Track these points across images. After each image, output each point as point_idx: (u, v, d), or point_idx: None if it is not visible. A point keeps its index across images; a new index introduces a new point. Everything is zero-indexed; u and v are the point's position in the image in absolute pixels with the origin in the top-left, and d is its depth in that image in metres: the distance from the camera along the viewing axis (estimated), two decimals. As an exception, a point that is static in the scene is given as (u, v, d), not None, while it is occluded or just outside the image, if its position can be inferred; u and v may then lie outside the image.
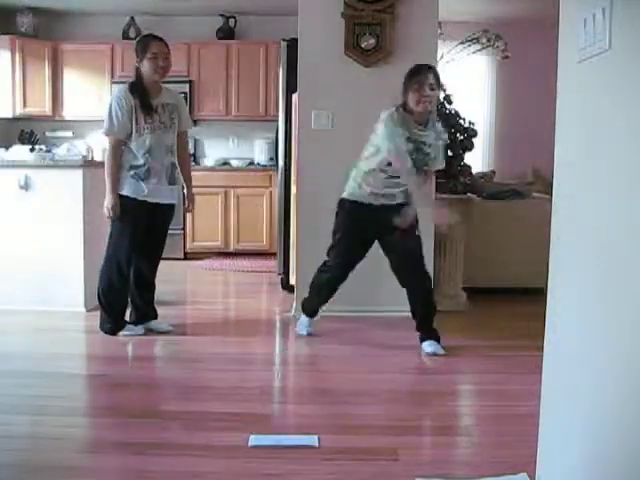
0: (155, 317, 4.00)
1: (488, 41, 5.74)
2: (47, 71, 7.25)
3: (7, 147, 4.99)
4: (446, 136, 3.67)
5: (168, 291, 4.79)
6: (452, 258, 4.65)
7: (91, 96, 7.14)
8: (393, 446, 2.38)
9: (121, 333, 3.82)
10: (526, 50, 6.46)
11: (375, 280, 3.76)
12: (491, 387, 3.14)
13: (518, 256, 4.94)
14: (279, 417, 2.83)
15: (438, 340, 3.67)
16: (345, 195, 3.63)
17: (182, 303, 5.04)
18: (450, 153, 5.05)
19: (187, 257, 7.05)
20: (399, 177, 3.50)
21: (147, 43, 3.71)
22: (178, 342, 3.85)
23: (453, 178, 4.95)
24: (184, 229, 6.96)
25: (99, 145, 5.94)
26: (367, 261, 3.74)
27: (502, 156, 7.50)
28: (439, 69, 4.43)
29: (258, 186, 7.10)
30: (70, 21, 7.42)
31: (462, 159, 5.12)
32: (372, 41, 4.23)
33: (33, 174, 4.37)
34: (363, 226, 3.62)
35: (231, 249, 7.15)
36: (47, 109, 7.30)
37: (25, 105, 7.20)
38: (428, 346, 3.64)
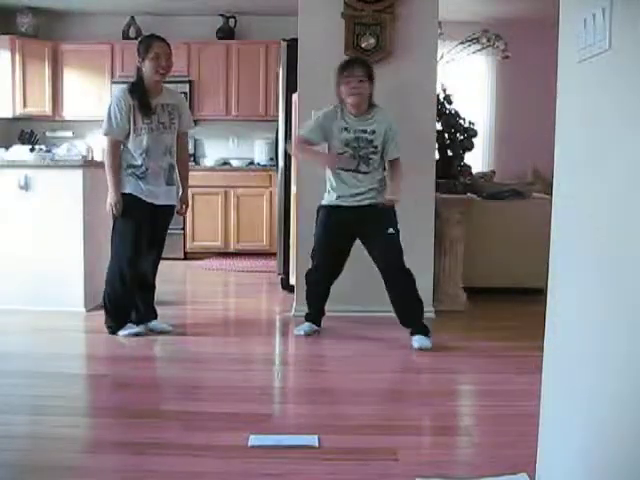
0: (155, 317, 3.99)
1: (488, 41, 5.74)
2: (47, 71, 7.25)
3: (7, 147, 4.98)
4: (395, 126, 3.74)
5: (168, 291, 4.79)
6: (452, 258, 4.65)
7: (91, 96, 7.14)
8: (393, 446, 2.38)
9: (120, 333, 3.81)
10: (526, 50, 6.46)
11: (375, 280, 3.75)
12: (491, 387, 3.14)
13: (518, 256, 4.94)
14: (279, 417, 2.82)
15: (427, 334, 3.70)
16: (322, 202, 3.83)
17: (182, 303, 5.04)
18: (450, 153, 5.06)
19: (187, 257, 7.06)
20: (354, 171, 3.67)
21: (150, 43, 3.71)
22: (178, 342, 3.85)
23: (453, 178, 4.95)
24: (184, 229, 6.96)
25: (99, 145, 5.92)
26: (367, 261, 3.75)
27: (502, 156, 7.50)
28: (439, 69, 4.45)
29: (258, 186, 7.10)
30: (70, 21, 7.42)
31: (462, 159, 5.13)
32: (372, 41, 4.23)
33: (33, 174, 4.37)
34: (338, 230, 3.77)
35: (231, 249, 7.16)
36: (47, 109, 7.31)
37: (25, 105, 7.20)
38: (416, 341, 3.68)
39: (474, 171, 5.54)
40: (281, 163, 5.42)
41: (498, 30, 5.83)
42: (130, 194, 3.70)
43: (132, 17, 7.30)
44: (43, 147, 5.23)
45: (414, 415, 2.81)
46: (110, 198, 3.69)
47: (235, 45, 7.30)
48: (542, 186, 5.64)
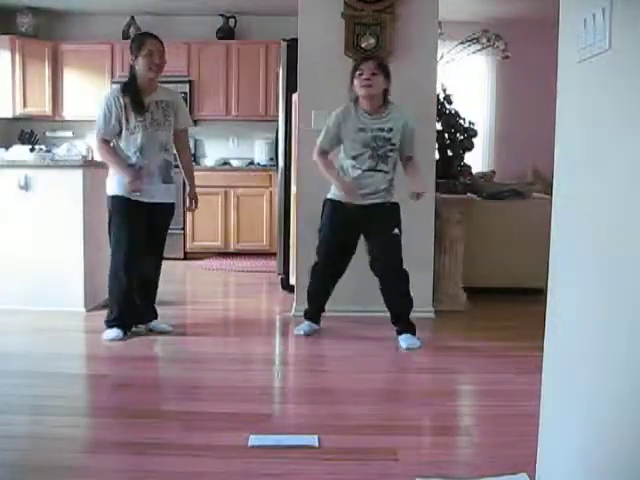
0: (155, 317, 3.99)
1: (488, 41, 5.74)
2: (47, 71, 7.25)
3: (7, 147, 4.98)
4: (412, 122, 3.71)
5: (168, 291, 4.79)
6: (452, 258, 4.65)
7: (91, 96, 7.12)
8: (393, 446, 2.38)
9: (104, 335, 3.77)
10: (526, 50, 6.46)
11: (375, 280, 3.75)
12: (491, 387, 3.14)
13: (518, 256, 4.94)
14: (279, 417, 2.82)
15: (414, 332, 3.73)
16: (329, 195, 3.77)
17: (182, 303, 5.04)
18: (450, 153, 5.06)
19: (187, 257, 7.06)
20: (374, 171, 3.64)
21: (142, 41, 3.71)
22: (178, 342, 3.85)
23: (453, 178, 4.95)
24: (184, 229, 6.96)
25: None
26: (367, 261, 3.74)
27: (502, 156, 7.50)
28: (439, 69, 4.45)
29: (258, 186, 7.10)
30: (70, 21, 7.42)
31: (462, 159, 5.13)
32: (372, 41, 4.23)
33: (33, 174, 4.37)
34: (344, 225, 3.73)
35: (231, 249, 7.16)
36: (47, 109, 7.31)
37: (25, 105, 7.20)
38: (403, 341, 3.70)
39: (474, 171, 5.54)
40: (281, 163, 5.42)
41: (498, 30, 5.83)
42: (121, 196, 3.69)
43: (132, 17, 7.30)
44: (43, 147, 5.23)
45: (414, 415, 2.81)
46: (125, 179, 3.64)
47: (235, 45, 7.30)
48: (542, 186, 5.64)
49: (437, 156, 4.77)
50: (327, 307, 4.03)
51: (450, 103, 5.07)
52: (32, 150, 4.73)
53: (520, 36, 6.33)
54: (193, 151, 7.42)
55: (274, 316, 4.57)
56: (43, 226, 4.36)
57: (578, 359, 1.66)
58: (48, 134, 7.48)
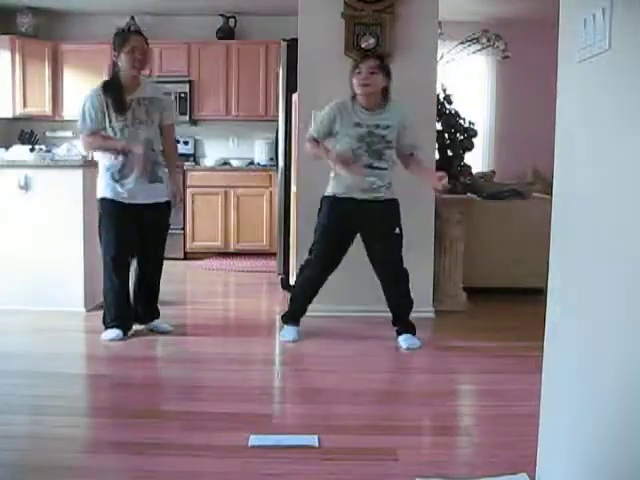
0: (157, 317, 3.99)
1: (488, 41, 5.74)
2: (47, 71, 7.24)
3: (7, 147, 4.98)
4: (410, 119, 3.68)
5: (168, 291, 4.78)
6: (452, 258, 4.65)
7: (91, 96, 7.13)
8: (393, 446, 2.38)
9: (102, 336, 3.78)
10: (526, 50, 6.46)
11: (375, 280, 3.75)
12: (491, 387, 3.14)
13: (518, 256, 4.94)
14: (279, 417, 2.82)
15: (414, 332, 3.74)
16: (326, 192, 3.74)
17: (182, 303, 5.03)
18: (450, 153, 5.06)
19: (187, 257, 7.05)
20: (370, 167, 3.61)
21: (125, 37, 3.68)
22: (178, 342, 3.85)
23: (453, 178, 4.95)
24: (184, 229, 6.96)
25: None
26: (367, 261, 3.74)
27: (502, 156, 7.50)
28: (439, 69, 4.45)
29: (258, 186, 7.09)
30: (70, 21, 7.41)
31: (462, 159, 5.12)
32: (372, 41, 4.23)
33: (33, 174, 4.37)
34: (343, 221, 3.69)
35: (231, 249, 7.15)
36: (47, 109, 7.30)
37: (25, 105, 7.19)
38: (403, 341, 3.70)
39: (474, 171, 5.54)
40: (281, 163, 5.42)
41: (498, 30, 5.83)
42: (108, 198, 3.69)
43: (132, 17, 7.29)
44: (43, 147, 5.23)
45: (414, 415, 2.81)
46: (120, 149, 3.61)
47: (235, 45, 7.29)
48: (542, 186, 5.64)
49: (437, 156, 4.77)
50: (327, 307, 4.03)
51: (450, 103, 5.07)
52: (32, 150, 4.73)
53: (520, 36, 6.33)
54: (193, 151, 7.43)
55: (274, 316, 4.57)
56: (43, 226, 4.36)
57: (578, 359, 1.66)
58: (48, 134, 7.48)
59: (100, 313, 3.91)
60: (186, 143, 7.36)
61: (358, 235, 3.74)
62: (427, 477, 2.13)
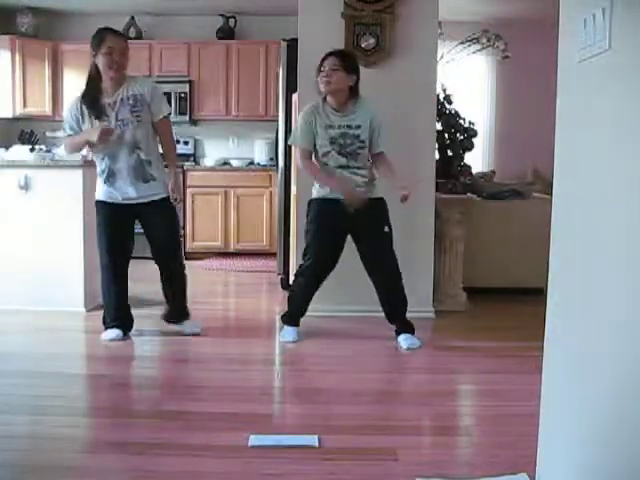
0: (185, 318, 3.92)
1: (488, 41, 5.75)
2: (47, 71, 7.24)
3: (7, 147, 4.98)
4: (379, 117, 3.63)
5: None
6: (452, 258, 4.65)
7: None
8: (393, 446, 2.38)
9: (102, 336, 3.78)
10: (526, 50, 6.46)
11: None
12: (491, 387, 3.14)
13: (518, 256, 4.94)
14: (279, 417, 2.83)
15: (412, 332, 3.74)
16: (313, 195, 3.76)
17: (182, 303, 5.03)
18: (450, 153, 5.06)
19: (187, 257, 7.02)
20: (345, 168, 3.61)
21: (102, 37, 3.57)
22: (178, 342, 3.84)
23: (453, 178, 4.95)
24: (184, 229, 6.95)
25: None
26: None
27: (502, 156, 7.50)
28: (439, 69, 4.45)
29: (258, 186, 7.09)
30: (70, 21, 7.41)
31: (462, 159, 5.13)
32: (372, 41, 4.23)
33: (33, 174, 4.37)
34: (331, 221, 3.68)
35: (231, 249, 7.15)
36: (47, 109, 7.30)
37: (25, 105, 7.19)
38: (403, 341, 3.70)
39: (474, 171, 5.54)
40: (281, 163, 5.42)
41: (498, 30, 5.83)
42: (100, 201, 3.70)
43: (132, 17, 7.30)
44: (43, 147, 5.23)
45: (414, 415, 2.81)
46: (95, 136, 3.47)
47: (235, 45, 7.29)
48: (542, 186, 5.64)
49: (437, 156, 4.77)
50: (327, 307, 4.03)
51: (450, 103, 5.07)
52: (32, 150, 4.73)
53: (520, 36, 6.33)
54: (193, 151, 7.43)
55: (274, 316, 4.56)
56: (43, 226, 4.36)
57: (577, 359, 1.66)
58: (48, 134, 7.47)
59: (100, 313, 3.91)
60: (186, 143, 7.36)
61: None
62: (427, 477, 2.13)
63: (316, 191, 3.73)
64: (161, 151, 3.84)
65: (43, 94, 7.25)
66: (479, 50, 5.88)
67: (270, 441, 2.40)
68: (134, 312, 3.93)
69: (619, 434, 1.46)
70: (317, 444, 2.38)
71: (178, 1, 6.86)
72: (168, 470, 2.19)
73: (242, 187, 7.10)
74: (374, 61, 4.24)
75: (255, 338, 4.01)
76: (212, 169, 7.25)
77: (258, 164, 7.37)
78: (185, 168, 6.89)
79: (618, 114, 1.46)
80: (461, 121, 5.06)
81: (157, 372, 3.49)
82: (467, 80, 6.90)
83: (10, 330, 4.00)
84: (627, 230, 1.41)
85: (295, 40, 4.41)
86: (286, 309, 3.96)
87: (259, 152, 7.42)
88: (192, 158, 7.38)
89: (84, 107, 3.57)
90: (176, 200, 3.76)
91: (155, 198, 3.71)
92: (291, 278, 4.83)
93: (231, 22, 7.36)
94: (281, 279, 5.36)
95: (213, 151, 7.61)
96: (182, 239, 3.97)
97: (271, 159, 7.09)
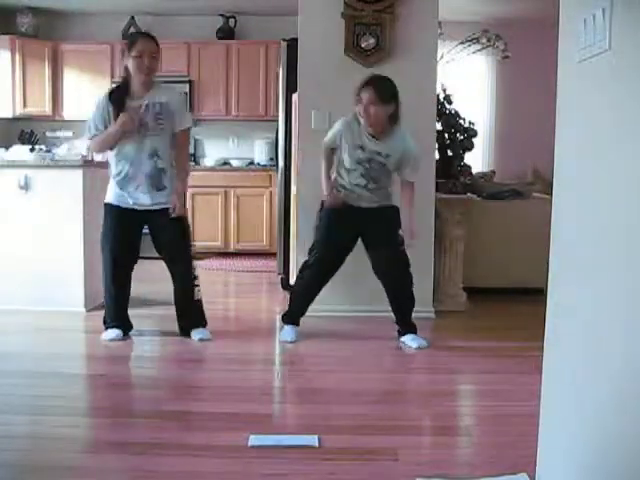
0: (196, 326, 3.83)
1: (488, 41, 5.75)
2: (47, 71, 7.24)
3: (7, 147, 4.98)
4: (413, 149, 3.61)
5: (169, 291, 4.78)
6: (452, 258, 4.65)
7: (91, 96, 7.08)
8: (393, 446, 2.38)
9: (102, 336, 3.77)
10: (526, 50, 6.47)
11: (375, 280, 3.75)
12: (491, 387, 3.14)
13: (518, 256, 4.94)
14: (279, 417, 2.83)
15: (416, 332, 3.77)
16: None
17: (182, 303, 5.02)
18: (450, 153, 5.06)
19: (187, 257, 7.04)
20: (363, 188, 3.62)
21: (134, 40, 3.61)
22: (178, 342, 3.84)
23: (453, 178, 4.95)
24: (184, 229, 6.95)
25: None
26: (366, 261, 3.74)
27: (502, 156, 7.50)
28: (439, 69, 4.45)
29: (258, 186, 7.09)
30: (70, 21, 7.41)
31: (462, 159, 5.13)
32: (372, 41, 4.23)
33: (33, 174, 4.37)
34: (342, 222, 3.69)
35: (231, 249, 7.15)
36: (47, 109, 7.30)
37: (25, 105, 7.19)
38: (412, 341, 3.71)
39: (474, 171, 5.55)
40: (281, 163, 5.42)
41: (498, 30, 5.83)
42: (109, 203, 3.69)
43: (132, 17, 7.30)
44: (43, 147, 5.23)
45: (414, 415, 2.81)
46: (121, 123, 3.51)
47: (235, 45, 7.30)
48: (542, 186, 5.64)
49: (437, 156, 4.77)
50: (328, 307, 4.02)
51: (450, 103, 5.07)
52: (32, 150, 4.73)
53: (520, 36, 6.33)
54: (193, 151, 7.42)
55: (274, 316, 4.56)
56: (43, 226, 4.36)
57: (578, 359, 1.66)
58: (48, 134, 7.48)
59: (100, 313, 3.91)
60: (186, 143, 7.36)
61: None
62: (427, 477, 2.13)
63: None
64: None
65: (43, 94, 7.25)
66: (479, 50, 5.89)
67: (270, 441, 2.40)
68: (135, 312, 3.94)
69: (619, 434, 1.46)
70: (317, 444, 2.38)
71: (178, 1, 6.86)
72: (168, 470, 2.19)
73: (242, 187, 7.10)
74: (374, 61, 4.24)
75: (255, 338, 4.01)
76: (212, 169, 7.25)
77: (258, 164, 7.37)
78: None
79: (618, 114, 1.46)
80: (461, 121, 5.06)
81: (157, 372, 3.49)
82: (467, 80, 6.90)
83: (10, 330, 4.00)
84: (627, 230, 1.41)
85: (295, 40, 4.41)
86: (286, 308, 3.96)
87: (259, 152, 7.42)
88: (192, 158, 7.37)
89: (110, 107, 3.57)
90: (174, 211, 3.67)
91: (166, 206, 3.69)
92: (291, 278, 4.83)
93: (231, 22, 7.36)
94: (281, 279, 5.36)
95: (213, 151, 7.61)
96: (192, 250, 3.92)
97: (271, 159, 7.09)
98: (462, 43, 5.76)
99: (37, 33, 7.28)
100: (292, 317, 3.90)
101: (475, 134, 5.11)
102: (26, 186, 4.36)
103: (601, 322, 1.53)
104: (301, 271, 3.88)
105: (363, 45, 4.23)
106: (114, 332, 3.76)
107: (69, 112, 7.33)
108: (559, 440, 1.79)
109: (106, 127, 3.58)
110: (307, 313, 3.94)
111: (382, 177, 3.65)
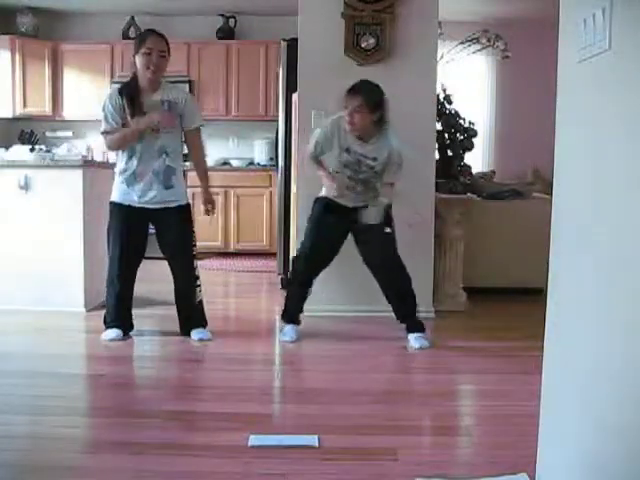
0: (196, 326, 3.84)
1: (488, 41, 5.75)
2: (47, 71, 7.25)
3: (7, 147, 4.98)
4: (399, 151, 3.59)
5: (169, 291, 4.78)
6: (452, 258, 4.65)
7: (91, 96, 7.13)
8: (393, 446, 2.38)
9: (102, 336, 3.77)
10: (526, 50, 6.47)
11: (375, 280, 3.76)
12: (491, 387, 3.14)
13: (518, 256, 4.94)
14: (279, 417, 2.82)
15: (423, 331, 3.75)
16: (320, 194, 3.77)
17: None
18: (450, 153, 5.07)
19: (187, 257, 7.04)
20: (351, 190, 3.63)
21: (143, 37, 3.60)
22: (178, 342, 3.84)
23: (453, 178, 4.96)
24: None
25: (99, 145, 5.95)
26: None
27: (502, 156, 7.51)
28: (439, 69, 4.45)
29: (258, 186, 7.10)
30: (70, 21, 7.42)
31: (462, 159, 5.13)
32: (372, 41, 4.23)
33: (33, 174, 4.37)
34: (334, 217, 3.71)
35: (231, 249, 7.16)
36: (47, 109, 7.31)
37: (25, 105, 7.20)
38: (414, 340, 3.71)
39: (474, 171, 5.55)
40: (281, 163, 5.42)
41: (498, 30, 5.84)
42: (115, 202, 3.68)
43: (132, 17, 7.31)
44: (43, 147, 5.23)
45: (414, 415, 2.81)
46: (146, 122, 3.52)
47: (235, 45, 7.30)
48: (542, 186, 5.64)
49: (437, 156, 4.77)
50: (328, 307, 4.02)
51: (450, 103, 5.07)
52: (32, 150, 4.73)
53: (520, 36, 6.34)
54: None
55: (274, 316, 4.56)
56: (43, 226, 4.36)
57: (578, 360, 1.66)
58: (48, 134, 7.48)
59: (100, 313, 3.91)
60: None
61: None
62: (427, 477, 2.13)
63: (324, 191, 3.75)
64: (187, 162, 3.82)
65: (43, 94, 7.26)
66: (479, 50, 5.89)
67: (270, 441, 2.40)
68: (135, 312, 3.93)
69: (619, 434, 1.46)
70: (317, 444, 2.38)
71: (178, 1, 6.87)
72: (168, 470, 2.19)
73: (242, 187, 7.10)
74: (374, 61, 4.24)
75: (255, 338, 4.02)
76: (212, 169, 7.22)
77: (258, 164, 7.38)
78: (185, 168, 6.88)
79: (618, 114, 1.46)
80: (461, 121, 5.06)
81: (157, 372, 3.48)
82: (467, 80, 6.91)
83: (10, 330, 4.00)
84: (627, 229, 1.41)
85: (295, 40, 4.42)
86: (283, 307, 3.97)
87: (259, 152, 7.43)
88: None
89: (123, 102, 3.56)
90: (208, 212, 3.87)
91: (172, 205, 3.71)
92: (291, 278, 4.84)
93: (231, 22, 7.37)
94: (281, 279, 5.36)
95: (213, 151, 7.60)
96: (195, 250, 3.92)
97: (271, 159, 7.09)
98: (462, 43, 5.76)
99: (37, 33, 7.29)
100: (290, 315, 3.90)
101: (475, 134, 5.11)
102: (26, 186, 4.36)
103: (601, 322, 1.53)
104: (293, 269, 3.90)
105: (363, 45, 4.24)
106: (114, 332, 3.76)
107: (69, 112, 7.34)
108: (559, 440, 1.79)
109: (122, 123, 3.57)
110: (307, 313, 3.94)
111: (372, 180, 3.65)
